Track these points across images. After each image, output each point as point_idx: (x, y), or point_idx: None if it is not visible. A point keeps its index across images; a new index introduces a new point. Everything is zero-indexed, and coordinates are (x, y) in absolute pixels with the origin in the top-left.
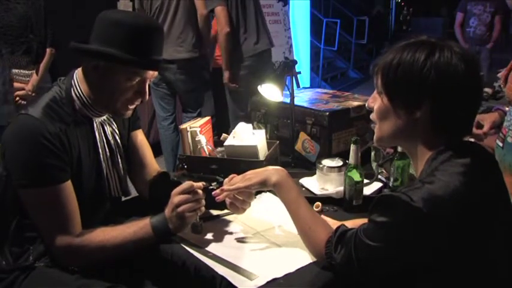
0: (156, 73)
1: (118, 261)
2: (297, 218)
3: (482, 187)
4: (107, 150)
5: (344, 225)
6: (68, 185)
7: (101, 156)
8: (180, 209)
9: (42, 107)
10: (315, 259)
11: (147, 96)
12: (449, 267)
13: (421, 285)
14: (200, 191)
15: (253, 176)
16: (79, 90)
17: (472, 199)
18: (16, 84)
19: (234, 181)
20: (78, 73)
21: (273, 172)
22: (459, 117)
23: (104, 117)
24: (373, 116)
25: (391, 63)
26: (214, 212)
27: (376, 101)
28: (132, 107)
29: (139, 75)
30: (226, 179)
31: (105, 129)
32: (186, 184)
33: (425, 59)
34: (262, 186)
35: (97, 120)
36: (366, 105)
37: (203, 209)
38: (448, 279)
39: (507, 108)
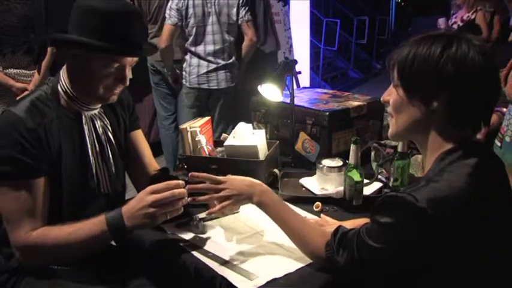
0: (135, 58)
1: (116, 261)
2: (288, 230)
3: (487, 188)
4: (97, 145)
5: (343, 226)
6: (36, 182)
7: (89, 151)
8: (152, 210)
9: (26, 103)
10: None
11: (128, 82)
12: (453, 267)
13: (424, 284)
14: (177, 190)
15: (234, 200)
16: (64, 84)
17: (477, 200)
18: (18, 84)
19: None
20: (64, 68)
21: (253, 192)
22: (476, 108)
23: (96, 111)
24: (389, 110)
25: (407, 57)
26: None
27: (391, 95)
28: (116, 92)
29: (116, 61)
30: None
31: (96, 124)
32: (163, 185)
33: (442, 52)
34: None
35: (87, 115)
36: (381, 99)
37: (181, 210)
38: (451, 279)
39: (505, 110)
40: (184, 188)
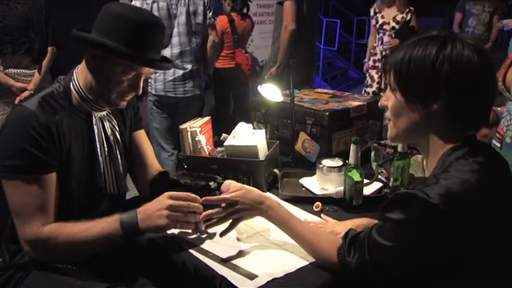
0: (151, 70)
1: (117, 261)
2: (299, 240)
3: (495, 186)
4: (105, 145)
5: (353, 229)
6: (48, 177)
7: (98, 151)
8: (168, 213)
9: (38, 99)
10: (314, 260)
11: (141, 91)
12: (461, 265)
13: (433, 283)
14: (195, 204)
15: (243, 215)
16: (77, 83)
17: (487, 197)
18: (18, 84)
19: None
20: (79, 67)
21: (261, 208)
22: (475, 107)
23: (104, 112)
24: (387, 114)
25: (402, 60)
26: None
27: (389, 99)
28: (127, 98)
29: (134, 69)
30: (224, 185)
31: (105, 124)
32: (186, 194)
33: (437, 52)
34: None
35: (96, 115)
36: (379, 104)
37: (192, 226)
38: (459, 277)
39: (499, 109)
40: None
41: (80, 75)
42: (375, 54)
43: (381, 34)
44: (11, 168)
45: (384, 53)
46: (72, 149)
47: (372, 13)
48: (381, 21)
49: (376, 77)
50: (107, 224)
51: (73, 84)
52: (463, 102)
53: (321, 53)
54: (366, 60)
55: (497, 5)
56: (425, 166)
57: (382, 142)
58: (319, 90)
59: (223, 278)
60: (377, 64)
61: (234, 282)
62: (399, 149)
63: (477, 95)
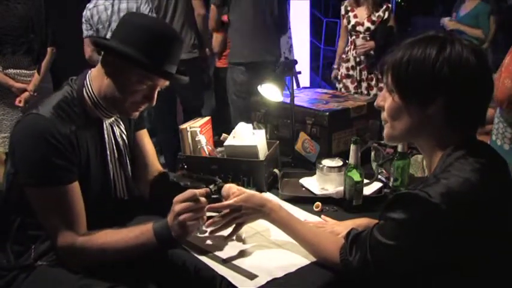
0: (167, 82)
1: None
2: (301, 241)
3: (495, 186)
4: (115, 151)
5: (355, 228)
6: (75, 186)
7: (109, 157)
8: (182, 217)
9: (53, 106)
10: (314, 259)
11: (154, 103)
12: (462, 265)
13: (435, 283)
14: (203, 199)
15: (246, 219)
16: (90, 90)
17: (487, 196)
18: (18, 85)
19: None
20: (92, 72)
21: (263, 212)
22: (473, 109)
23: (113, 118)
24: (384, 116)
25: (401, 61)
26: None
27: (386, 100)
28: (140, 109)
29: (150, 80)
30: (224, 190)
31: (114, 130)
32: (189, 192)
33: (437, 54)
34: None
35: (107, 122)
36: (375, 104)
37: (205, 217)
38: (463, 276)
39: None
40: (206, 197)
41: (94, 81)
42: (348, 60)
43: (353, 37)
44: (40, 181)
45: (357, 59)
46: (90, 156)
47: (342, 11)
48: (353, 21)
49: (351, 87)
50: (140, 234)
51: (86, 91)
52: (461, 103)
53: (321, 53)
54: (335, 66)
55: (494, 6)
56: (426, 166)
57: (382, 142)
58: (319, 90)
59: (223, 278)
60: (351, 72)
61: (234, 282)
62: (399, 149)
63: (475, 95)
